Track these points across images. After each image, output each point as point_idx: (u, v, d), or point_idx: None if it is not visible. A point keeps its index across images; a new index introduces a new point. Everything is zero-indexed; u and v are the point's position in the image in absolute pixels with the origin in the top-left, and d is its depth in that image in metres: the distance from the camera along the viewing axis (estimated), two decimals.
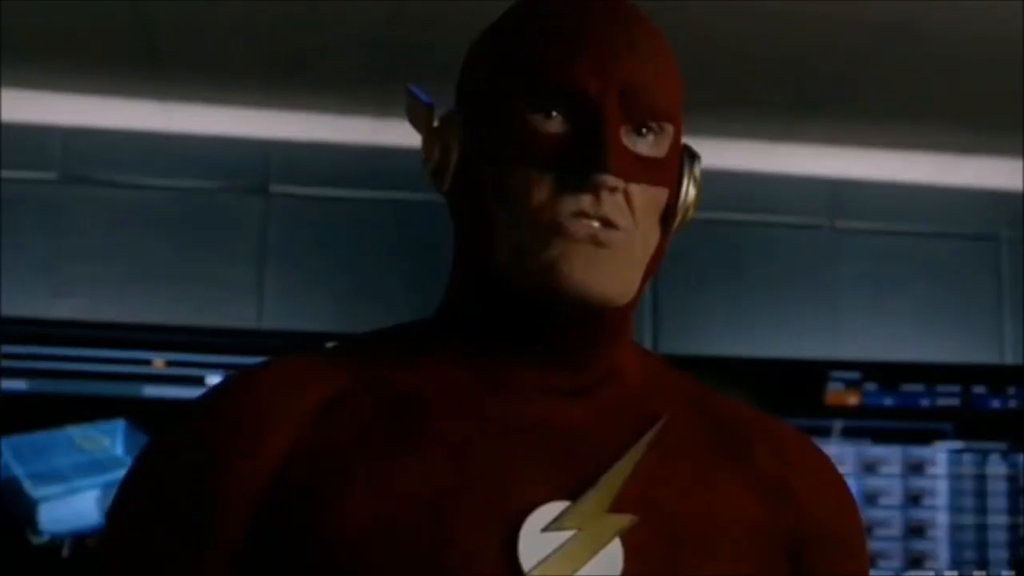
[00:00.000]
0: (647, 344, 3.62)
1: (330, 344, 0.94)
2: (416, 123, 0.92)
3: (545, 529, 0.82)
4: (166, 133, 3.51)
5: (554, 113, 0.84)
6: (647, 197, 0.85)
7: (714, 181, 3.75)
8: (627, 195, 0.84)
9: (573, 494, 0.83)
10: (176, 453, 0.87)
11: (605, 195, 0.82)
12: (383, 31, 2.85)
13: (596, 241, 0.83)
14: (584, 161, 0.82)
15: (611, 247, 0.83)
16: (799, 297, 3.77)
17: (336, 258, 3.51)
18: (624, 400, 0.90)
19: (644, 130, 0.85)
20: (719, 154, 3.62)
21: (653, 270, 0.89)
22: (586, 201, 0.82)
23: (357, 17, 2.79)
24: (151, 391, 3.22)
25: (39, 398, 3.18)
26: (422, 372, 0.88)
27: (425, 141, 0.90)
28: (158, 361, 3.25)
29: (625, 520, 0.83)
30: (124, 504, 0.88)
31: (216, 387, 0.90)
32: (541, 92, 0.84)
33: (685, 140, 0.93)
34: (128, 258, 3.43)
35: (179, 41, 2.96)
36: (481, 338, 0.88)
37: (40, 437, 3.14)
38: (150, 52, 3.01)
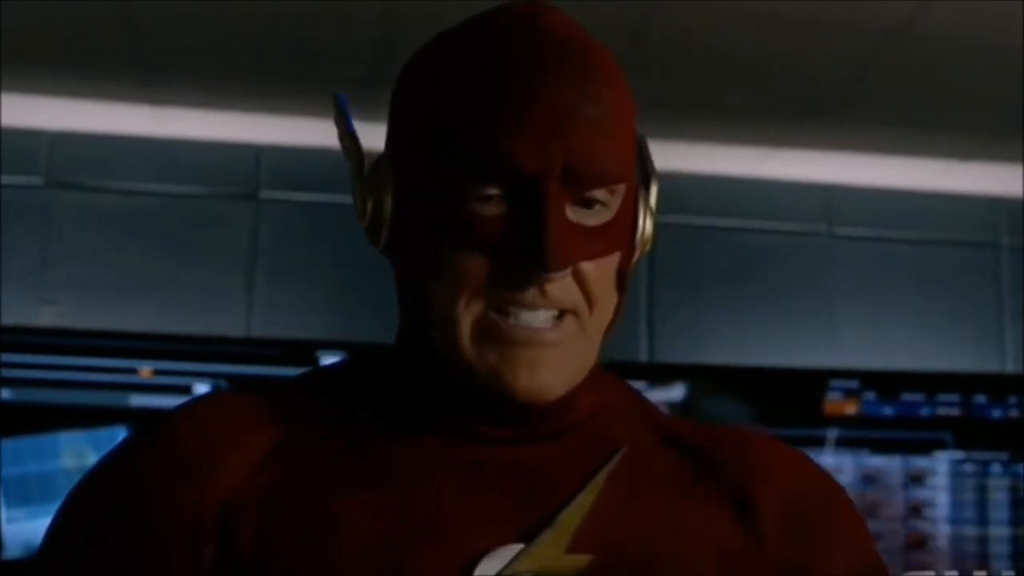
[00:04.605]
0: (642, 353, 3.59)
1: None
2: (343, 149, 0.86)
3: (499, 575, 0.78)
4: (155, 137, 3.48)
5: (492, 191, 0.77)
6: (599, 269, 0.80)
7: (711, 187, 3.75)
8: (578, 274, 0.79)
9: (530, 535, 0.79)
10: (119, 484, 0.82)
11: (550, 286, 0.77)
12: (375, 35, 2.82)
13: (541, 343, 0.78)
14: (526, 256, 0.76)
15: (558, 345, 0.78)
16: (797, 304, 3.74)
17: (327, 265, 3.48)
18: (582, 436, 0.85)
19: (593, 197, 0.79)
20: (716, 160, 3.60)
21: (612, 328, 0.84)
22: (530, 294, 0.77)
23: (348, 21, 2.76)
24: (138, 400, 3.18)
25: (24, 407, 3.13)
26: (372, 416, 0.84)
27: (355, 191, 0.84)
28: (145, 370, 3.21)
29: (583, 560, 0.79)
30: (63, 532, 0.83)
31: (166, 417, 0.85)
32: (478, 170, 0.77)
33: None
34: (115, 264, 3.39)
35: (168, 44, 2.92)
36: (430, 394, 0.84)
37: (26, 443, 3.10)
38: (139, 55, 2.97)
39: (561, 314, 0.79)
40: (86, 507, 0.83)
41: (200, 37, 2.87)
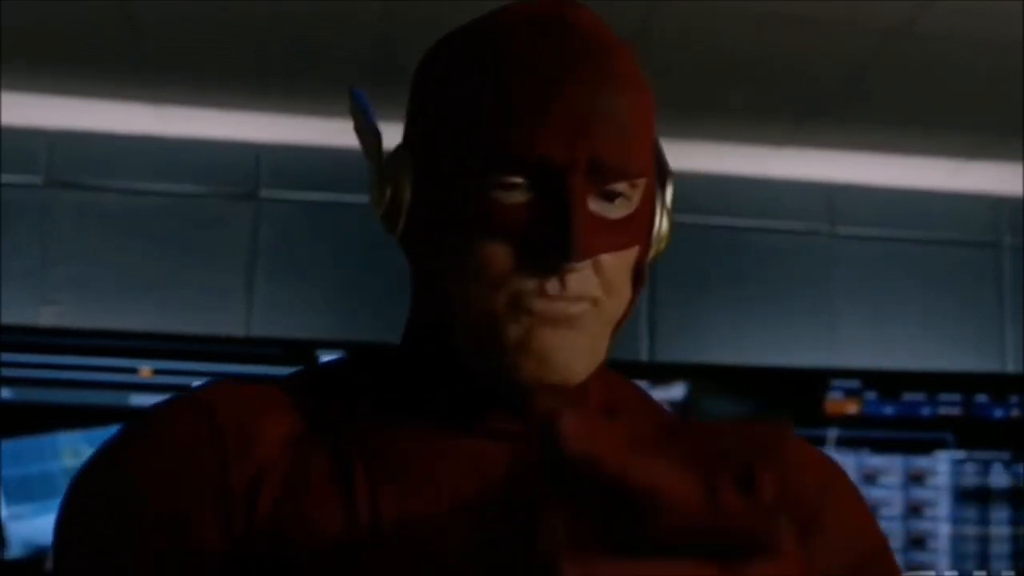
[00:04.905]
0: (643, 352, 3.58)
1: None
2: (361, 142, 0.86)
3: None
4: (155, 136, 3.47)
5: (516, 181, 0.78)
6: (618, 261, 0.81)
7: (712, 186, 3.75)
8: (597, 264, 0.79)
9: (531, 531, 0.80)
10: (147, 450, 0.81)
11: (571, 276, 0.78)
12: (375, 35, 2.82)
13: (560, 322, 0.78)
14: (549, 246, 0.77)
15: (577, 326, 0.79)
16: (798, 304, 3.74)
17: (327, 265, 3.47)
18: None
19: (615, 190, 0.80)
20: (717, 159, 3.59)
21: (623, 323, 0.84)
22: (551, 284, 0.78)
23: (348, 21, 2.75)
24: (138, 400, 3.17)
25: (24, 407, 3.13)
26: (373, 411, 0.84)
27: (372, 179, 0.84)
28: (145, 369, 3.21)
29: None
30: (94, 498, 0.81)
31: (190, 393, 0.84)
32: (503, 162, 0.78)
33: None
34: (115, 264, 3.39)
35: (168, 44, 2.92)
36: (439, 387, 0.84)
37: (26, 443, 3.10)
38: (139, 55, 2.97)
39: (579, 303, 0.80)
40: (114, 475, 0.81)
41: (200, 37, 2.87)
